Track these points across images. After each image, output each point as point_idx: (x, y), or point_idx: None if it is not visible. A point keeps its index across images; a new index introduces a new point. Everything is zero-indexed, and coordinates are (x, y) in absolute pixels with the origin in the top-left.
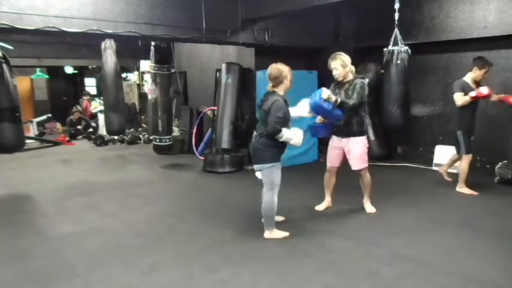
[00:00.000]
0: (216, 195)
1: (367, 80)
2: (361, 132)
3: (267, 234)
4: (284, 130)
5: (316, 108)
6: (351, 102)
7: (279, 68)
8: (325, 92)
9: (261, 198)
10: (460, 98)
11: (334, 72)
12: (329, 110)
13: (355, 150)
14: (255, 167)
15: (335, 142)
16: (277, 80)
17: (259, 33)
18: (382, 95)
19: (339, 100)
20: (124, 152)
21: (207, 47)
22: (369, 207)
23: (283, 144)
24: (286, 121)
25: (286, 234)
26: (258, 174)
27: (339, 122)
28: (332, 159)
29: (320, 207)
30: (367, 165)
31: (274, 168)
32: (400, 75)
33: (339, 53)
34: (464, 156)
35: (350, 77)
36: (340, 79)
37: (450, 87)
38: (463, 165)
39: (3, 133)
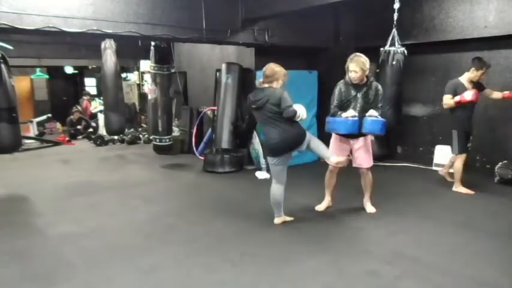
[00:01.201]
0: (216, 195)
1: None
2: None
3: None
4: (295, 108)
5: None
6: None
7: (274, 69)
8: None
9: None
10: (446, 101)
11: (353, 75)
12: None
13: (365, 148)
14: (302, 147)
15: (342, 142)
16: (268, 79)
17: (259, 33)
18: None
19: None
20: (124, 152)
21: (207, 47)
22: (369, 207)
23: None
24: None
25: (291, 218)
26: (258, 175)
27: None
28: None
29: (320, 207)
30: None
31: (310, 136)
32: (394, 76)
33: (359, 54)
34: (458, 156)
35: (365, 79)
36: (356, 81)
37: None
38: (457, 165)
39: (0, 133)
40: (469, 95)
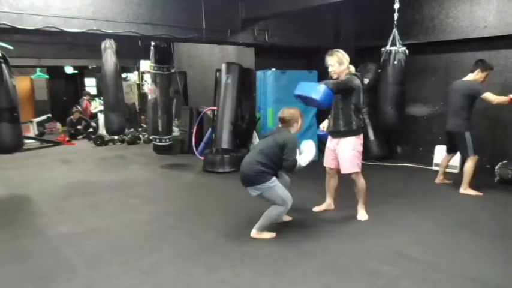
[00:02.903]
0: (216, 195)
1: (356, 80)
2: (349, 133)
3: (255, 233)
4: (298, 160)
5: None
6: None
7: (291, 112)
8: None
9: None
10: (496, 97)
11: (330, 69)
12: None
13: (343, 152)
14: (252, 191)
15: (328, 142)
16: (287, 124)
17: (259, 33)
18: (379, 95)
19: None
20: (124, 152)
21: (207, 47)
22: (361, 214)
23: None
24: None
25: (273, 234)
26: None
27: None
28: (327, 160)
29: (317, 209)
30: (358, 169)
31: (276, 184)
32: (396, 75)
33: (337, 49)
34: (472, 157)
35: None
36: (334, 76)
37: (462, 89)
38: (469, 167)
39: (2, 133)
40: None
